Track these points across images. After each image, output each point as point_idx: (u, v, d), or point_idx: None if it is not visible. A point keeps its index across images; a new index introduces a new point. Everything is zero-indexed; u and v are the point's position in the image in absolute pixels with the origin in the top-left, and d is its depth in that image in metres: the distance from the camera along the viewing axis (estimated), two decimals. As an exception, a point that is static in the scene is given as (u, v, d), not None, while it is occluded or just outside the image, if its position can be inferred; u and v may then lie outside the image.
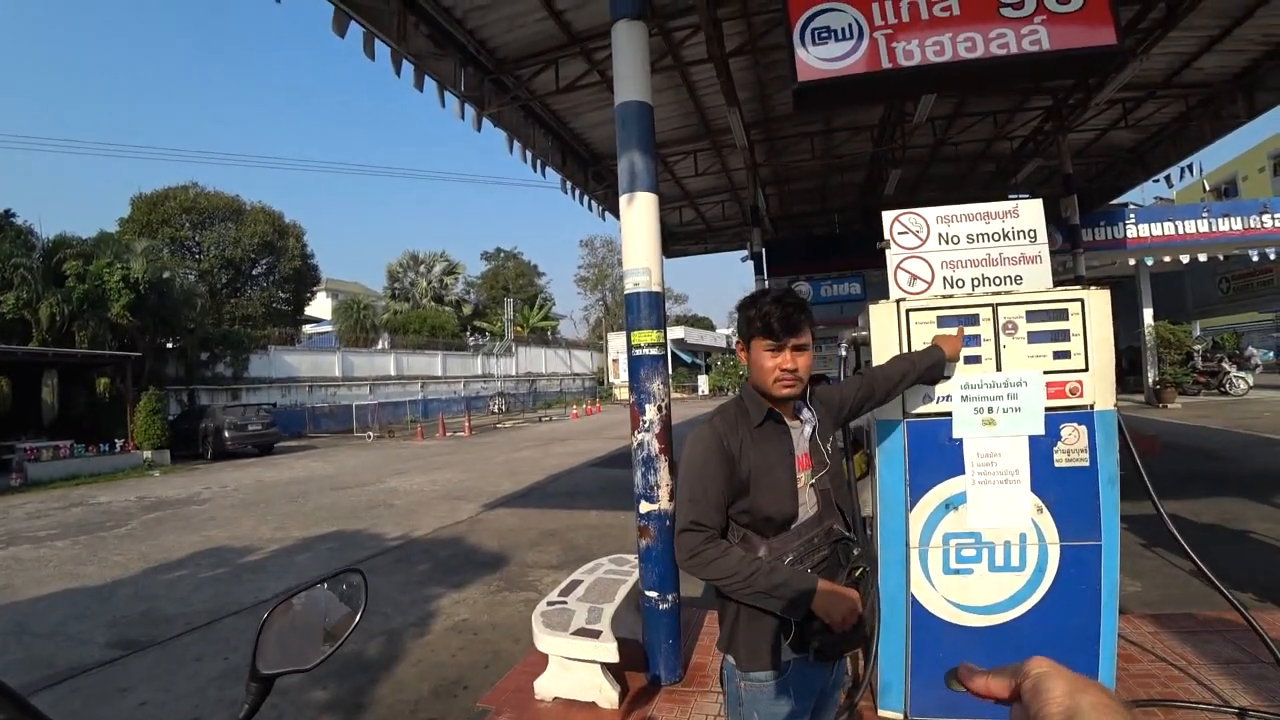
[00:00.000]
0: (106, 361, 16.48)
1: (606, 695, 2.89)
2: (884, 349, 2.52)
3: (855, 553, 1.55)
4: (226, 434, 16.94)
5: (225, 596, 5.40)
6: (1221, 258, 16.46)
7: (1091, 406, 2.45)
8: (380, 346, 30.51)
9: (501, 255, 52.26)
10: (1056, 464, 2.45)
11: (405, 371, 29.99)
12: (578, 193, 10.87)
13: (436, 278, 42.08)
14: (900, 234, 2.71)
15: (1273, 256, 15.75)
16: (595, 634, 2.85)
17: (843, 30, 3.81)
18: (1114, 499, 2.46)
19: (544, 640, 2.91)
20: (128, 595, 5.57)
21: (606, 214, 12.39)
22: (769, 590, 1.41)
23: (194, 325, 20.26)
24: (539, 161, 9.16)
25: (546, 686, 2.99)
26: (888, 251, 2.72)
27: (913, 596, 2.53)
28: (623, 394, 40.26)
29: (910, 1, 3.74)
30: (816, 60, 3.82)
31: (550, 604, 3.22)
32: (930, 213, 2.71)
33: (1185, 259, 15.59)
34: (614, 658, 2.79)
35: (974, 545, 2.49)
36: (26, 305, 15.56)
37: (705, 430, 1.58)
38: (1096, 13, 3.71)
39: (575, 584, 3.48)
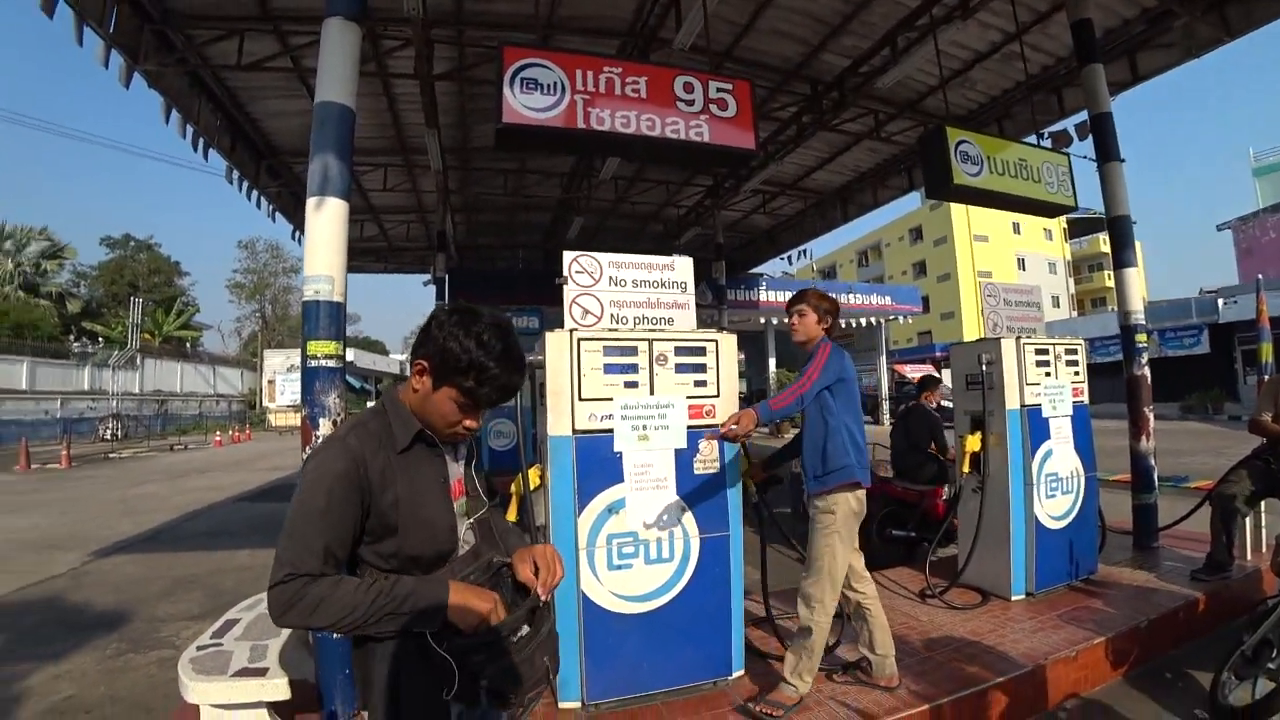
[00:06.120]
0: None
1: (277, 742, 2.59)
2: (558, 372, 2.85)
3: (516, 580, 1.35)
4: None
5: None
6: (823, 322, 21.80)
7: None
8: (-77, 344, 22.21)
9: (132, 244, 42.48)
10: (696, 471, 3.01)
11: (-34, 381, 22.17)
12: (245, 185, 9.54)
13: (30, 260, 32.34)
14: (578, 273, 3.11)
15: (853, 325, 21.73)
16: (261, 672, 2.54)
17: (548, 85, 4.28)
18: (737, 498, 3.11)
19: (196, 689, 2.48)
20: None
21: (278, 215, 11.13)
22: (397, 608, 1.18)
23: None
24: (202, 141, 7.86)
25: (199, 746, 2.56)
26: (565, 287, 3.07)
27: (583, 593, 2.82)
28: (279, 420, 35.36)
29: (607, 76, 4.41)
30: (522, 106, 4.18)
31: (201, 648, 2.77)
32: (604, 258, 3.17)
33: (800, 321, 20.16)
34: (285, 695, 2.51)
35: (633, 543, 2.90)
36: None
37: (335, 452, 1.25)
38: (743, 123, 4.82)
39: (231, 623, 3.05)
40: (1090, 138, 5.92)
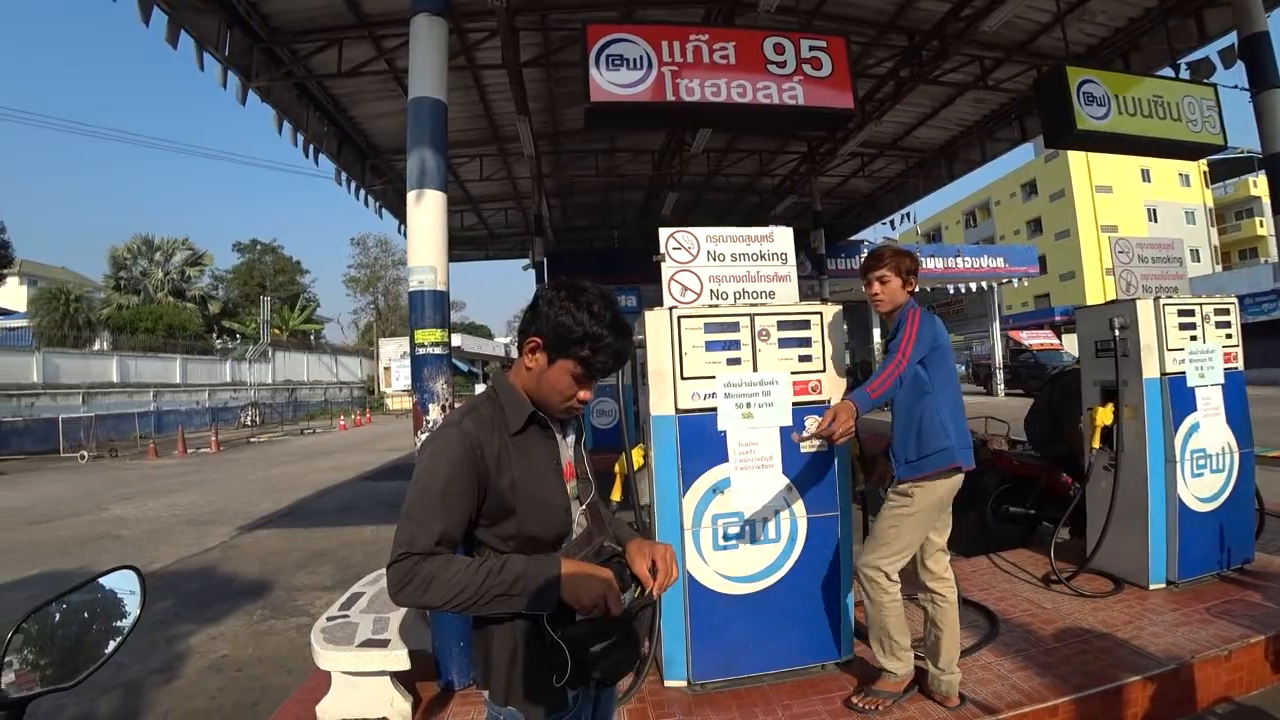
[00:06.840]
0: None
1: (399, 708, 2.77)
2: (659, 350, 2.82)
3: (630, 572, 1.33)
4: None
5: None
6: (929, 289, 20.43)
7: (828, 401, 2.93)
8: (99, 347, 25.19)
9: (258, 248, 46.32)
10: (802, 450, 2.90)
11: (133, 378, 24.91)
12: (353, 185, 10.14)
13: (176, 268, 35.97)
14: (674, 250, 3.04)
15: (962, 291, 20.47)
16: (383, 643, 2.73)
17: (634, 60, 4.20)
18: (846, 477, 2.98)
19: (326, 657, 2.72)
20: None
21: (384, 211, 11.74)
22: (508, 590, 1.18)
23: None
24: (312, 147, 8.39)
25: (330, 709, 2.78)
26: (663, 265, 3.02)
27: (689, 574, 2.81)
28: (396, 404, 37.73)
29: (695, 45, 4.27)
30: (609, 84, 4.14)
31: (331, 619, 3.01)
32: (701, 232, 3.08)
33: (904, 289, 19.25)
34: (405, 665, 2.70)
35: (738, 523, 2.85)
36: None
37: (452, 436, 1.26)
38: (840, 82, 4.55)
39: (357, 596, 3.29)
40: (1239, 63, 5.18)
